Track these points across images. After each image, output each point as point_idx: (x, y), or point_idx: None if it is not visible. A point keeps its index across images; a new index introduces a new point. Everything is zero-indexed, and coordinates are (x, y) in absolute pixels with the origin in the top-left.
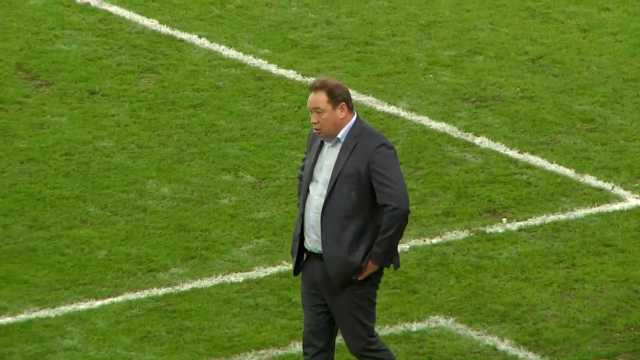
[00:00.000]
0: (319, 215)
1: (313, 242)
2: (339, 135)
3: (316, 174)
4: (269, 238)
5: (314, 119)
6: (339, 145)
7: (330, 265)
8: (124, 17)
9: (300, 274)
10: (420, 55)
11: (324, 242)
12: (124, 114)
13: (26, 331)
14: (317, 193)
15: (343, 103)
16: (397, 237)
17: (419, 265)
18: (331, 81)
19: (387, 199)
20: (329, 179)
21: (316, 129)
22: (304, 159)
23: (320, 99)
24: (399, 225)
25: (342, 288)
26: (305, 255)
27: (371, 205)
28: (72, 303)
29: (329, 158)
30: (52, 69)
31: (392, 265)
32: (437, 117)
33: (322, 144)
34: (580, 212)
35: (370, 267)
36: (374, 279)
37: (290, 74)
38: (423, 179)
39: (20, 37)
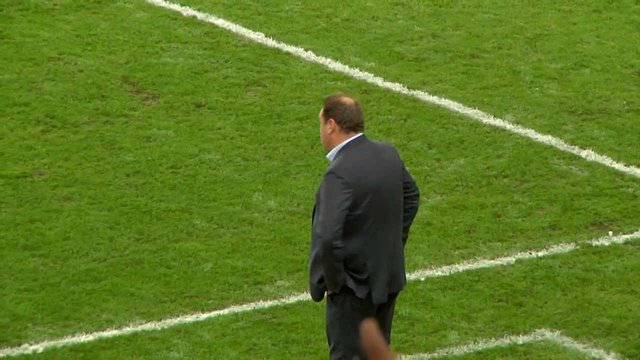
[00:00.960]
0: None
1: None
2: (327, 155)
3: None
4: None
5: None
6: None
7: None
8: (230, 30)
9: None
10: (526, 68)
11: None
12: (230, 126)
13: (132, 344)
14: None
15: (331, 119)
16: (324, 263)
17: (525, 278)
18: (333, 97)
19: (316, 226)
20: None
21: None
22: None
23: (321, 110)
24: (320, 252)
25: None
26: None
27: None
28: (178, 316)
29: None
30: (159, 82)
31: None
32: (543, 130)
33: None
34: None
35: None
36: (342, 304)
37: (397, 87)
38: (529, 192)
39: (126, 50)
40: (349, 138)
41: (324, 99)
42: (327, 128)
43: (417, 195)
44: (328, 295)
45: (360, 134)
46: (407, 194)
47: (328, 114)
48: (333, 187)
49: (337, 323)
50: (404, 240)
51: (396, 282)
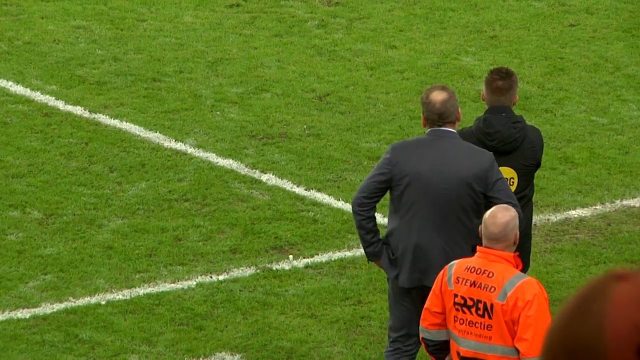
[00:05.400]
0: None
1: None
2: None
3: None
4: (56, 274)
5: None
6: None
7: None
8: None
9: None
10: (207, 92)
11: None
12: None
13: None
14: None
15: (422, 113)
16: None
17: (206, 302)
18: (426, 92)
19: None
20: None
21: None
22: None
23: None
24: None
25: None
26: None
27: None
28: None
29: None
30: None
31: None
32: (224, 153)
33: None
34: None
35: None
36: (390, 283)
37: (78, 110)
38: (210, 216)
39: None
40: (434, 127)
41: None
42: (423, 119)
43: None
44: None
45: (446, 128)
46: None
47: (422, 108)
48: (381, 159)
49: (388, 300)
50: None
51: (427, 278)
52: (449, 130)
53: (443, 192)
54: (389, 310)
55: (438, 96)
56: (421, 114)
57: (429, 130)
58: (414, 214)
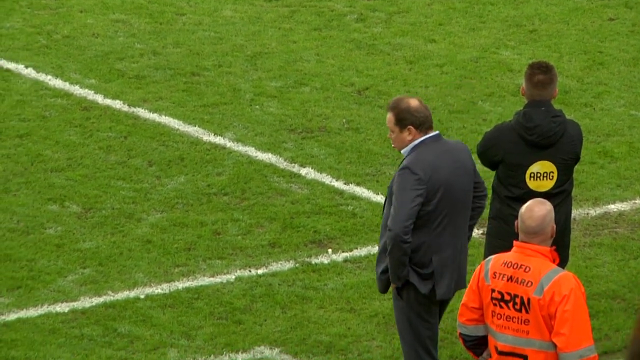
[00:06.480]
0: None
1: None
2: (402, 151)
3: None
4: (95, 268)
5: (389, 134)
6: None
7: None
8: None
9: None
10: (246, 86)
11: None
12: None
13: None
14: None
15: (410, 127)
16: (391, 257)
17: (245, 296)
18: (402, 105)
19: (386, 218)
20: None
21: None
22: None
23: (389, 119)
24: (390, 246)
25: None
26: None
27: None
28: None
29: None
30: None
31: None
32: (263, 147)
33: None
34: None
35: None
36: (408, 298)
37: (117, 104)
38: (249, 210)
39: None
40: (424, 136)
41: (391, 107)
42: (406, 135)
43: (485, 196)
44: (394, 289)
45: (436, 132)
46: (475, 194)
47: (404, 122)
48: (407, 182)
49: (404, 317)
50: (468, 239)
51: (462, 280)
52: (437, 132)
53: (465, 193)
54: (402, 332)
55: (416, 101)
56: (403, 129)
57: (424, 138)
58: (447, 224)
